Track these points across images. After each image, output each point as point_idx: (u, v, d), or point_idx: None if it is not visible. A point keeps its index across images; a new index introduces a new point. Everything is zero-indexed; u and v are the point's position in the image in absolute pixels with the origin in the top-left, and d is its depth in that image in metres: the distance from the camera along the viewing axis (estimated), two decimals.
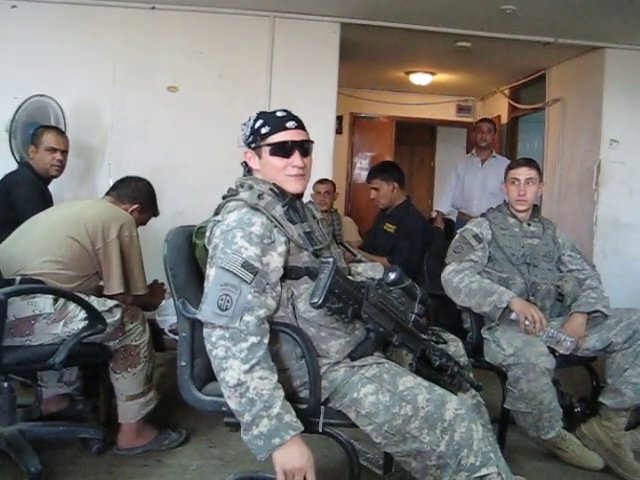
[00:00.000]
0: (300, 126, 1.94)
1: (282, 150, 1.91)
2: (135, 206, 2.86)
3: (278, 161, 1.91)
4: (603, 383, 2.76)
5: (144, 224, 2.99)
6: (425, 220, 4.24)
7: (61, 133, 3.57)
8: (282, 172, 1.91)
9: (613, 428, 2.67)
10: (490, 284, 2.76)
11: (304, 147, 1.93)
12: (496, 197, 4.72)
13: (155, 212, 3.03)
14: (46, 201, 3.31)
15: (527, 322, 2.63)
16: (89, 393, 3.00)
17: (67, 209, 2.79)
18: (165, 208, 4.53)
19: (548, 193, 5.66)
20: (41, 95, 3.98)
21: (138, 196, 2.89)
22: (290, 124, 1.92)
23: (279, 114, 1.95)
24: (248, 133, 1.95)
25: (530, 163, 2.99)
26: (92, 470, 2.51)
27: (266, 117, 1.95)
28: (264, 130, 1.91)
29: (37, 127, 3.56)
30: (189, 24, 4.68)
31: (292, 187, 1.93)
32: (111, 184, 2.99)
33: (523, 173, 2.93)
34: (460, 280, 2.78)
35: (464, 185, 5.35)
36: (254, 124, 1.94)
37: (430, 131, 9.07)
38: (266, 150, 1.92)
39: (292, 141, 1.91)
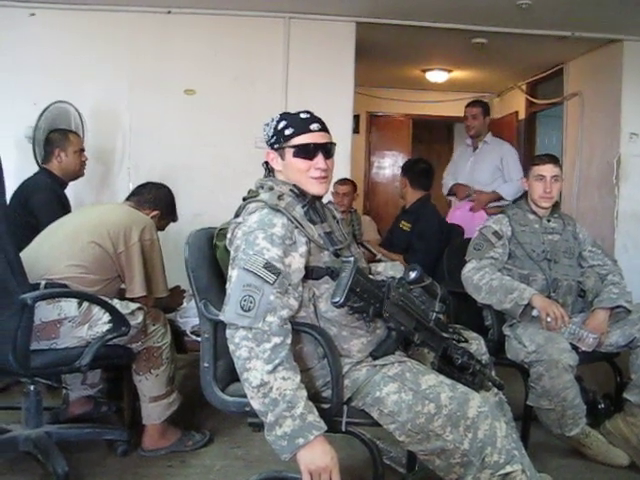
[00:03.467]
0: (324, 128, 1.95)
1: (306, 152, 1.91)
2: (155, 212, 2.90)
3: (301, 163, 1.92)
4: (627, 379, 2.74)
5: (162, 229, 3.02)
6: (441, 219, 4.18)
7: (77, 134, 3.64)
8: (305, 174, 1.92)
9: (638, 424, 2.65)
10: (511, 281, 2.75)
11: (327, 149, 1.94)
12: (484, 188, 4.58)
13: (174, 218, 3.07)
14: (64, 206, 3.36)
15: (549, 319, 2.62)
16: (113, 395, 3.04)
17: (89, 214, 2.83)
18: (183, 210, 4.56)
19: (568, 188, 5.61)
20: (61, 101, 4.03)
21: (159, 203, 2.92)
22: (314, 126, 1.93)
23: (303, 116, 1.96)
24: (271, 134, 1.96)
25: (555, 160, 2.98)
26: (118, 471, 2.54)
27: (289, 118, 1.96)
28: (288, 131, 1.92)
29: (49, 132, 3.59)
30: (205, 27, 4.71)
31: (315, 189, 1.94)
32: (131, 188, 3.03)
33: (549, 170, 2.91)
34: (481, 277, 2.77)
35: (457, 177, 4.85)
36: (277, 125, 1.95)
37: (447, 128, 9.04)
38: (290, 151, 1.93)
39: (316, 143, 1.92)
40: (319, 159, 1.91)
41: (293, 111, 2.01)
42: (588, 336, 2.65)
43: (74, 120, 4.09)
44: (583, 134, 5.61)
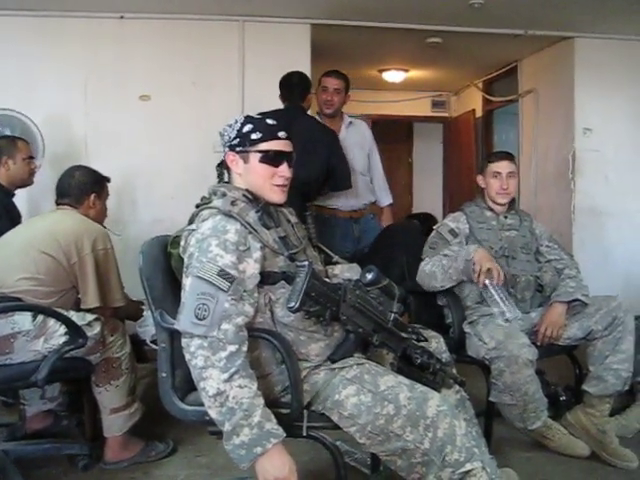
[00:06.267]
0: (289, 137, 1.96)
1: (272, 159, 1.92)
2: (92, 195, 2.83)
3: (266, 169, 1.92)
4: (586, 371, 2.79)
5: (108, 194, 2.97)
6: None
7: (26, 141, 3.48)
8: (268, 180, 1.93)
9: (597, 415, 2.70)
10: (454, 251, 2.81)
11: (290, 158, 1.96)
12: (365, 177, 4.04)
13: (107, 180, 2.97)
14: (13, 217, 3.24)
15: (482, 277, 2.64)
16: (73, 408, 2.97)
17: (38, 224, 2.76)
18: (143, 216, 4.57)
19: (525, 184, 5.69)
20: (3, 109, 3.94)
21: (85, 187, 2.82)
22: (281, 134, 1.94)
23: (270, 122, 1.96)
24: (233, 135, 1.95)
25: (511, 156, 3.03)
26: None
27: (256, 123, 1.95)
28: (255, 136, 1.92)
29: None
30: (159, 32, 4.65)
31: (277, 197, 1.95)
32: None
33: (505, 167, 2.95)
34: (432, 265, 2.82)
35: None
36: (242, 127, 1.94)
37: (407, 128, 9.09)
38: (255, 156, 1.92)
39: (282, 151, 1.93)
40: (284, 167, 1.93)
41: (256, 115, 2.02)
42: (509, 310, 2.62)
43: (20, 129, 3.98)
44: (539, 130, 5.69)
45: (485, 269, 2.63)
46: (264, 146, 1.91)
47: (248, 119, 1.97)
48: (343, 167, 3.71)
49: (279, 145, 1.93)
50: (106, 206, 2.97)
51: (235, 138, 1.94)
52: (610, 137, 5.13)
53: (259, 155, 1.92)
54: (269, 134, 1.92)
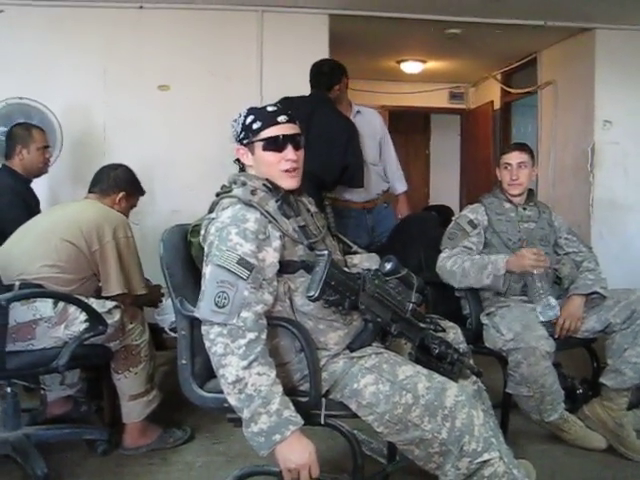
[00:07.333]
0: (291, 120, 1.95)
1: (274, 145, 1.91)
2: (121, 194, 2.87)
3: (271, 156, 1.92)
4: (603, 364, 2.77)
5: (135, 206, 3.02)
6: None
7: (42, 129, 3.48)
8: (276, 167, 1.92)
9: (615, 408, 2.68)
10: (481, 258, 2.79)
11: (296, 141, 1.94)
12: (376, 167, 3.98)
13: (141, 192, 3.03)
14: (30, 205, 3.25)
15: (535, 271, 2.69)
16: (92, 394, 3.02)
17: (60, 212, 2.80)
18: (161, 206, 4.59)
19: (544, 176, 5.66)
20: (21, 98, 3.95)
21: (120, 183, 2.88)
22: (281, 118, 1.92)
23: (270, 109, 1.96)
24: (239, 129, 1.95)
25: (522, 147, 3.01)
26: (98, 471, 2.53)
27: (257, 112, 1.95)
28: (255, 126, 1.92)
29: (11, 127, 3.45)
30: (178, 22, 4.66)
31: (287, 183, 1.94)
32: None
33: (515, 157, 2.94)
34: (453, 263, 2.81)
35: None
36: (245, 120, 1.94)
37: (424, 119, 9.06)
38: (259, 145, 1.92)
39: (284, 135, 1.91)
40: (288, 151, 1.91)
41: (262, 105, 2.01)
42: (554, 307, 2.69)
43: (38, 118, 4.00)
44: (558, 122, 5.65)
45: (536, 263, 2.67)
46: (265, 133, 1.91)
47: (251, 111, 1.96)
48: (358, 165, 3.69)
49: (280, 130, 1.91)
50: (129, 213, 2.98)
51: (241, 132, 1.95)
52: (630, 130, 5.09)
53: (261, 144, 1.91)
54: (268, 121, 1.91)
